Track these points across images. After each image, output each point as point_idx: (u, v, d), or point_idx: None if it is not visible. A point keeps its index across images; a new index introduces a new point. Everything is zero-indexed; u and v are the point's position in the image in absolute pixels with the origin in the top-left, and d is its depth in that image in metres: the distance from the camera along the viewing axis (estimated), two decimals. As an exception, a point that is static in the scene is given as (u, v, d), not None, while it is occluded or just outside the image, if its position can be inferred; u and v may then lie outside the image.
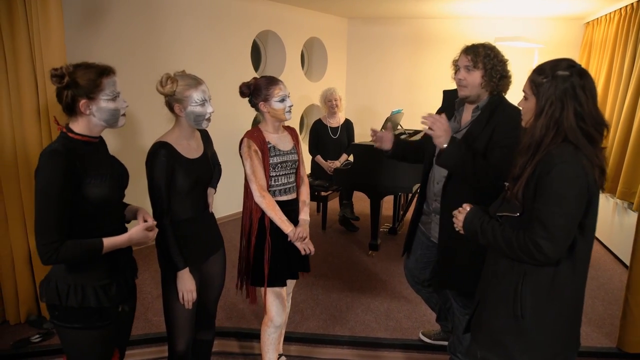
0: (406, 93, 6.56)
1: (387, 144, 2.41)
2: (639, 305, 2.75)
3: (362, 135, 5.44)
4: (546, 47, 5.51)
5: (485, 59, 2.06)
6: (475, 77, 2.08)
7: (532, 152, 1.45)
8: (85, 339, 1.63)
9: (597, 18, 5.20)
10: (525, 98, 1.54)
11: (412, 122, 5.73)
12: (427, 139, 2.38)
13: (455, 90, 2.29)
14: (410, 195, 5.34)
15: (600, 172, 1.42)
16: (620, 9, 4.54)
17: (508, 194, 1.53)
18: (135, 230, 1.64)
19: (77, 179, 1.51)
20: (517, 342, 1.52)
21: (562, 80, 1.42)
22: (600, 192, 1.50)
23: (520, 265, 1.50)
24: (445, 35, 6.27)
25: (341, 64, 6.79)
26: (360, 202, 5.57)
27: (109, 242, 1.57)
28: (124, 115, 1.65)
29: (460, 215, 1.66)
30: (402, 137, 4.86)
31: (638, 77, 3.99)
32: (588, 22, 5.53)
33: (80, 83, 1.52)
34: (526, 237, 1.43)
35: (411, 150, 2.55)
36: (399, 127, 5.08)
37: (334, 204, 5.39)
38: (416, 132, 5.18)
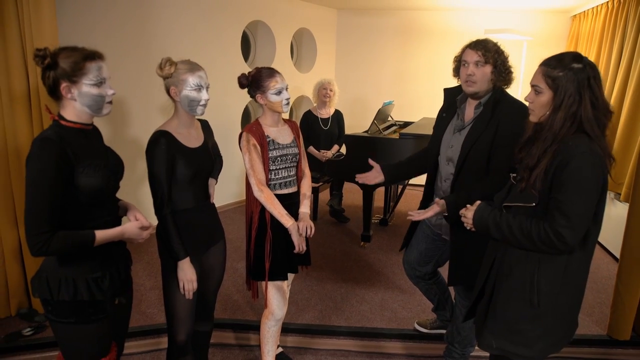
0: (396, 84, 6.58)
1: (376, 179, 2.47)
2: (629, 293, 2.82)
3: (352, 127, 5.43)
4: (534, 40, 5.56)
5: (495, 55, 2.05)
6: (486, 73, 2.06)
7: (548, 144, 1.46)
8: (80, 333, 1.59)
9: (584, 11, 5.27)
10: (537, 92, 1.54)
11: (402, 113, 5.77)
12: (432, 138, 2.38)
13: (455, 88, 2.29)
14: (401, 187, 5.36)
15: (610, 160, 1.47)
16: (607, 2, 4.60)
17: (522, 185, 1.54)
18: (130, 225, 1.62)
19: (69, 167, 1.46)
20: (533, 329, 1.57)
21: (579, 72, 1.44)
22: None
23: (534, 254, 1.54)
24: (435, 27, 6.28)
25: (330, 55, 6.76)
26: (350, 193, 5.58)
27: (101, 234, 1.54)
28: (109, 103, 1.60)
29: (468, 212, 1.67)
30: (393, 128, 4.87)
31: (625, 70, 4.06)
32: (575, 15, 5.60)
33: (62, 65, 1.48)
34: (546, 227, 1.45)
35: (408, 167, 2.55)
36: (389, 118, 5.08)
37: (325, 195, 5.39)
38: (406, 123, 5.19)
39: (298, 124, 4.87)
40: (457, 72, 2.20)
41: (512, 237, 1.54)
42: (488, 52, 2.04)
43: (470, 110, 2.19)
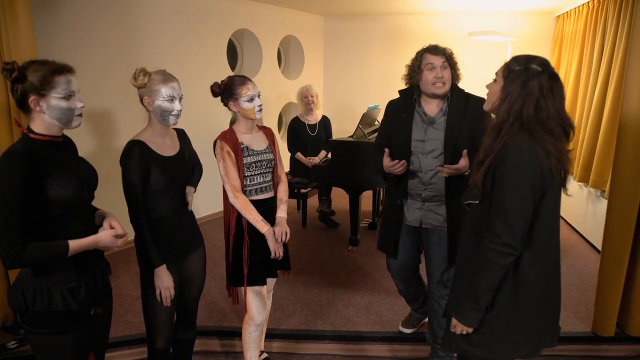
0: (383, 89, 6.59)
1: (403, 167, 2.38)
2: (610, 290, 2.84)
3: (341, 132, 5.45)
4: (519, 41, 5.61)
5: (452, 56, 2.33)
6: (449, 73, 2.31)
7: (493, 138, 1.48)
8: (56, 344, 1.59)
9: (567, 11, 5.32)
10: (495, 80, 1.57)
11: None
12: (400, 138, 2.38)
13: (409, 89, 2.43)
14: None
15: (556, 161, 1.45)
16: (588, 2, 4.64)
17: (470, 180, 1.57)
18: (104, 234, 1.62)
19: (38, 180, 1.47)
20: (489, 332, 1.55)
21: (534, 74, 1.46)
22: (559, 181, 1.52)
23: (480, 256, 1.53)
24: (420, 30, 6.33)
25: (318, 62, 6.80)
26: (340, 198, 5.60)
27: (74, 244, 1.54)
28: (79, 115, 1.61)
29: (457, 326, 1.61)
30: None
31: (606, 69, 4.10)
32: (559, 16, 5.65)
33: (31, 78, 1.49)
34: (485, 242, 1.47)
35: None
36: (375, 122, 5.11)
37: (314, 201, 5.40)
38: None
39: (286, 130, 4.91)
40: (410, 78, 2.35)
41: (487, 282, 1.49)
42: (448, 55, 2.31)
43: (432, 106, 2.35)
